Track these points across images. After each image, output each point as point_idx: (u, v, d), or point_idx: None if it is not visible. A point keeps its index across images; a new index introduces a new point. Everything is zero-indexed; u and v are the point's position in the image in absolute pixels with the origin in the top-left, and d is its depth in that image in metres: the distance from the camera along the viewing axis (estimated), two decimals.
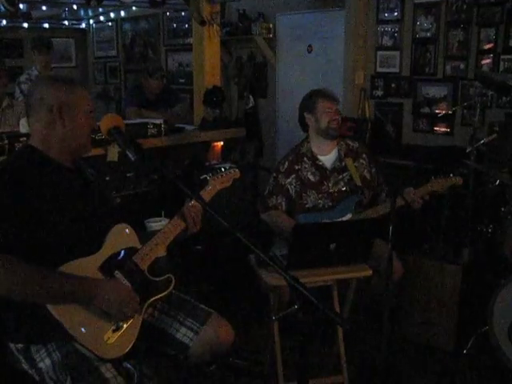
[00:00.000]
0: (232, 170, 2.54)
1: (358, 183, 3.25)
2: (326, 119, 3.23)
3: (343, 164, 3.30)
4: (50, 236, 1.96)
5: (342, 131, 3.32)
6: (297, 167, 3.28)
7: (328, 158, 3.32)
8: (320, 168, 3.28)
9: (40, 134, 2.07)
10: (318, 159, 3.29)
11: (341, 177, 3.30)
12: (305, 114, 3.32)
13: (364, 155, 3.37)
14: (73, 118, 2.06)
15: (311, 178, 3.27)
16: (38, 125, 2.07)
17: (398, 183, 3.43)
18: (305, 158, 3.29)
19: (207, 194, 2.42)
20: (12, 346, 2.00)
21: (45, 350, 1.95)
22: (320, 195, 3.24)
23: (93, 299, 1.94)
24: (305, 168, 3.28)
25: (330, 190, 3.26)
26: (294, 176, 3.26)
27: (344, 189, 3.29)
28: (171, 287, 2.20)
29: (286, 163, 3.30)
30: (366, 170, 3.35)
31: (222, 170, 2.51)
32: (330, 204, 3.25)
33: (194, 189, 2.21)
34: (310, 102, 3.30)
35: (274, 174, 3.31)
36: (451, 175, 3.16)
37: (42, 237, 1.94)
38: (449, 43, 4.94)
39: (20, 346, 1.97)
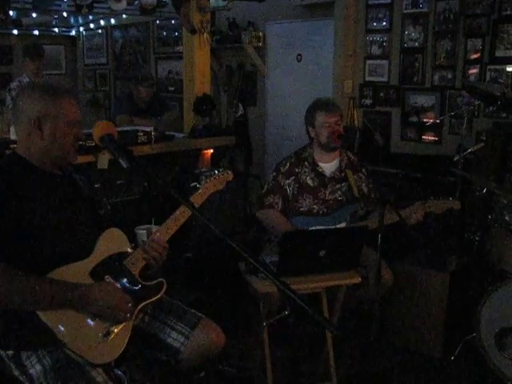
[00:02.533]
0: (225, 172, 2.54)
1: (356, 194, 3.27)
2: (325, 134, 3.24)
3: (343, 174, 3.32)
4: (36, 241, 1.97)
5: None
6: (297, 170, 3.30)
7: (328, 166, 3.34)
8: (319, 175, 3.31)
9: (23, 142, 2.09)
10: (318, 166, 3.31)
11: (339, 186, 3.32)
12: (307, 126, 3.34)
13: (363, 170, 3.40)
14: (53, 129, 2.05)
15: (310, 182, 3.29)
16: (21, 134, 2.09)
17: (390, 194, 3.47)
18: (306, 163, 3.32)
19: (199, 197, 2.41)
20: (2, 352, 1.99)
21: (35, 357, 1.94)
22: (316, 201, 3.27)
23: (86, 304, 1.95)
24: (304, 172, 3.30)
25: (327, 198, 3.29)
26: (293, 178, 3.29)
27: (340, 198, 3.32)
28: (163, 291, 2.20)
29: (287, 165, 3.33)
30: (363, 184, 3.38)
31: (216, 172, 2.51)
32: (325, 210, 3.28)
33: (184, 196, 2.19)
34: (310, 115, 3.32)
35: (274, 174, 3.33)
36: (450, 198, 3.18)
37: (29, 242, 1.95)
38: (436, 53, 5.00)
39: (10, 352, 1.97)
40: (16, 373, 1.97)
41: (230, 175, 2.56)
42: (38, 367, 1.93)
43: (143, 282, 2.17)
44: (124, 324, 2.05)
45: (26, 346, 1.95)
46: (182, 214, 2.26)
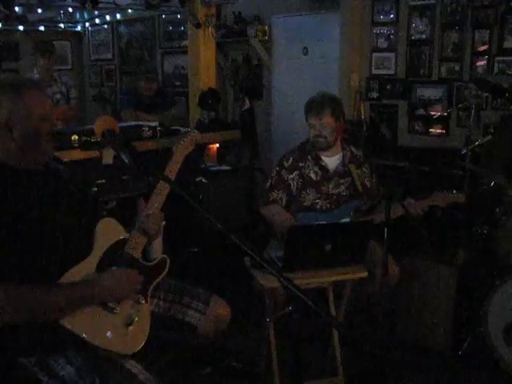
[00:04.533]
0: (192, 132, 2.56)
1: (360, 189, 3.25)
2: (311, 134, 3.24)
3: (346, 169, 3.30)
4: (34, 249, 1.93)
5: (338, 133, 3.31)
6: (301, 164, 3.27)
7: (332, 161, 3.31)
8: (322, 168, 3.28)
9: None
10: (321, 159, 3.29)
11: (342, 181, 3.30)
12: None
13: (366, 164, 3.38)
14: (23, 128, 1.96)
15: (313, 176, 3.27)
16: None
17: (395, 189, 3.44)
18: (309, 157, 3.29)
19: (174, 165, 2.42)
20: (24, 360, 1.93)
21: (64, 358, 1.93)
22: (319, 195, 3.24)
23: (97, 294, 1.97)
24: (308, 166, 3.27)
25: (330, 192, 3.27)
26: (297, 173, 3.26)
27: (344, 193, 3.29)
28: (167, 266, 2.27)
29: (291, 159, 3.30)
30: (367, 179, 3.36)
31: (183, 135, 2.52)
32: (328, 206, 3.25)
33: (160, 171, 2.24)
34: (304, 112, 3.30)
35: (277, 169, 3.30)
36: (454, 191, 3.16)
37: (27, 252, 1.91)
38: (443, 45, 4.96)
39: (34, 358, 1.93)
40: (43, 377, 1.92)
41: (197, 135, 2.58)
42: (69, 368, 1.91)
43: (148, 263, 2.22)
44: (143, 310, 2.11)
45: (53, 350, 1.94)
46: (161, 188, 2.29)
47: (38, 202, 2.00)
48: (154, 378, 1.95)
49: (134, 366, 1.96)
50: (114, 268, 2.08)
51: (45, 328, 1.91)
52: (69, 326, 1.90)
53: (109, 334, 1.99)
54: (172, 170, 2.40)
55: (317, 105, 3.21)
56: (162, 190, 2.29)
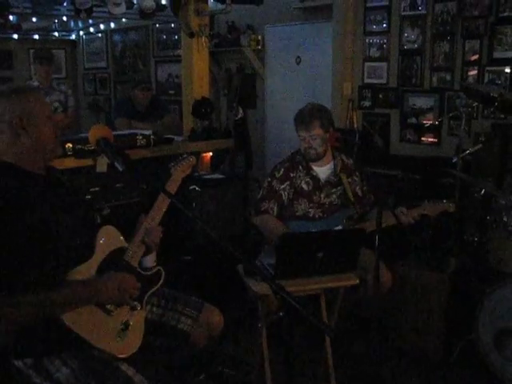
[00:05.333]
0: (189, 158, 2.69)
1: (351, 198, 3.28)
2: (302, 146, 3.28)
3: (337, 178, 3.32)
4: (41, 251, 1.96)
5: (330, 142, 3.34)
6: (292, 175, 3.30)
7: (323, 170, 3.34)
8: (314, 178, 3.30)
9: (10, 148, 2.04)
10: (312, 170, 3.31)
11: (334, 190, 3.32)
12: None
13: (357, 173, 3.40)
14: (35, 125, 2.05)
15: (304, 186, 3.29)
16: (5, 140, 2.03)
17: (387, 197, 3.47)
18: (300, 167, 3.31)
19: (173, 183, 2.55)
20: (19, 363, 1.94)
21: (59, 360, 1.95)
22: (311, 204, 3.27)
23: (96, 294, 2.03)
24: (299, 177, 3.30)
25: (322, 202, 3.29)
26: (288, 183, 3.28)
27: (335, 202, 3.32)
28: (162, 278, 2.37)
29: (282, 170, 3.32)
30: (358, 187, 3.38)
31: (181, 159, 2.66)
32: (321, 214, 3.28)
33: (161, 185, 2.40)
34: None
35: (269, 179, 3.32)
36: (445, 201, 3.19)
37: (32, 255, 1.94)
38: (435, 55, 5.01)
39: (29, 360, 1.94)
40: (38, 380, 1.94)
41: (193, 160, 2.72)
42: (65, 370, 1.93)
43: (144, 272, 2.32)
44: (138, 315, 2.20)
45: (49, 351, 1.96)
46: (161, 202, 2.42)
47: (48, 206, 2.05)
48: (147, 381, 1.98)
49: (129, 369, 1.99)
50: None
51: (40, 329, 1.93)
52: (69, 324, 1.95)
53: (106, 334, 2.06)
54: (171, 188, 2.53)
55: (305, 118, 3.23)
56: (162, 204, 2.41)
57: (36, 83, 5.32)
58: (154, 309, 2.40)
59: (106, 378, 1.93)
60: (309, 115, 3.23)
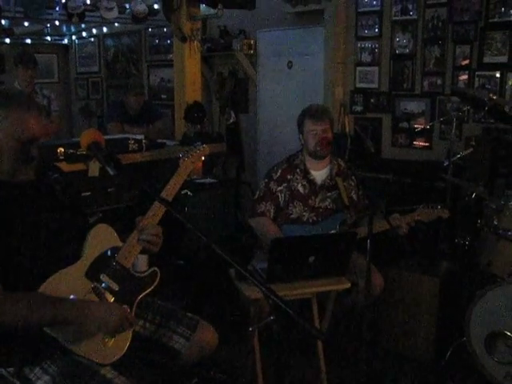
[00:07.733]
0: (201, 147, 2.48)
1: (346, 202, 3.29)
2: (313, 142, 3.25)
3: (333, 182, 3.33)
4: (25, 258, 1.95)
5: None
6: (289, 177, 3.31)
7: (319, 174, 3.35)
8: (310, 182, 3.31)
9: None
10: (309, 173, 3.32)
11: (329, 194, 3.33)
12: (298, 133, 3.35)
13: (353, 177, 3.41)
14: (11, 145, 1.95)
15: (301, 189, 3.30)
16: None
17: (379, 201, 3.48)
18: (297, 170, 3.32)
19: (180, 176, 2.36)
20: (2, 370, 1.94)
21: (39, 368, 1.92)
22: (306, 208, 3.28)
23: (84, 323, 1.93)
24: (296, 179, 3.31)
25: (316, 205, 3.30)
26: (285, 185, 3.29)
27: (330, 206, 3.33)
28: (157, 280, 2.21)
29: (279, 171, 3.33)
30: (353, 192, 3.39)
31: (193, 148, 2.45)
32: (315, 218, 3.29)
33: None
34: (299, 121, 3.32)
35: (266, 180, 3.33)
36: (439, 207, 3.20)
37: (17, 261, 1.93)
38: (426, 59, 5.05)
39: (11, 369, 1.93)
40: None
41: (206, 150, 2.50)
42: (45, 377, 1.91)
43: (138, 274, 2.18)
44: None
45: (30, 360, 1.93)
46: (158, 209, 2.25)
47: (26, 213, 2.00)
48: (129, 381, 1.94)
49: (109, 372, 1.94)
50: (102, 276, 2.06)
51: (24, 337, 1.90)
52: (50, 331, 1.89)
53: (89, 341, 1.95)
54: (178, 180, 2.35)
55: (317, 111, 3.27)
56: (158, 213, 2.25)
57: (18, 87, 5.01)
58: (147, 324, 2.30)
59: (85, 382, 1.89)
60: (321, 111, 3.28)
